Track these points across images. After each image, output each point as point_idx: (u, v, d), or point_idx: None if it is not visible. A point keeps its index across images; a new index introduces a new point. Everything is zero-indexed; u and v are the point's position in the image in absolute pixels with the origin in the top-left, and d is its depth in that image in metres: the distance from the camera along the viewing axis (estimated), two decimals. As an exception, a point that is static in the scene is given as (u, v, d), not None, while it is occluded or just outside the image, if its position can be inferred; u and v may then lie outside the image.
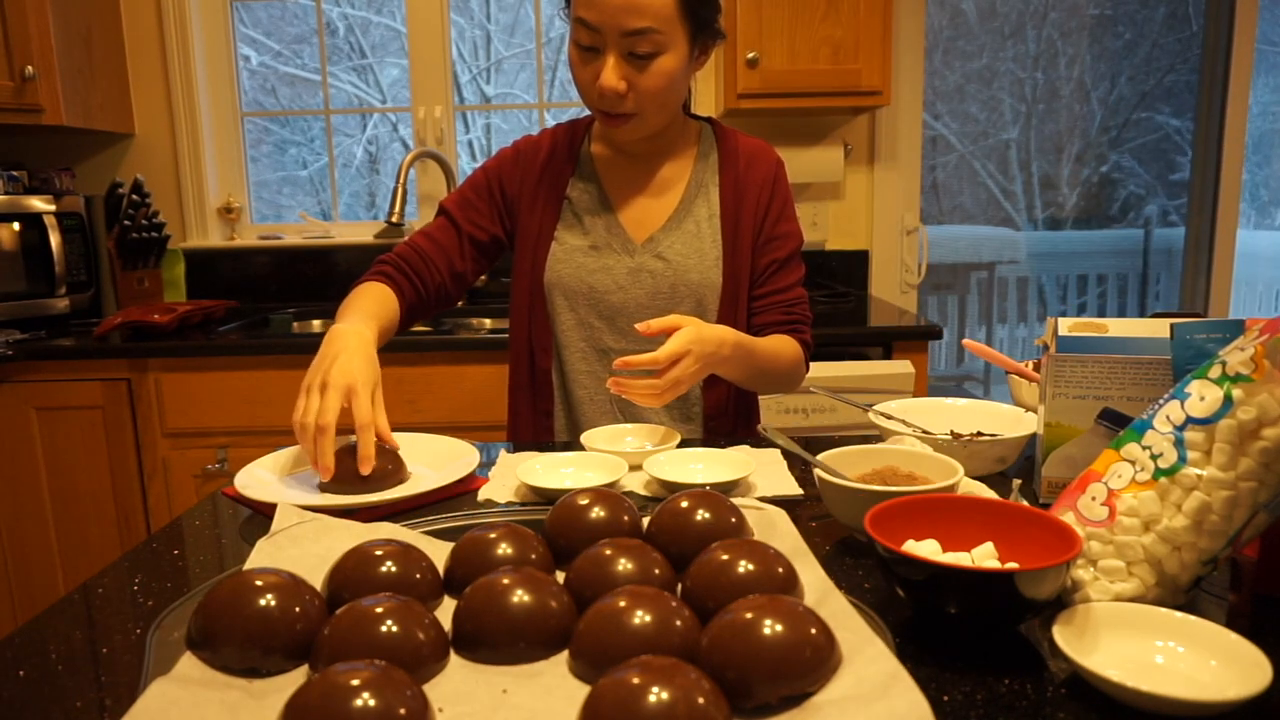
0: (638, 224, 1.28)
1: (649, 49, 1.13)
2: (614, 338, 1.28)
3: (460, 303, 2.62)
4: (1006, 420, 1.10)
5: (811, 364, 2.02)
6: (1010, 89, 3.03)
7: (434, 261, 1.26)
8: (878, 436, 1.11)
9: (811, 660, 0.56)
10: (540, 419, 1.30)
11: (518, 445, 1.19)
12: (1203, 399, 0.66)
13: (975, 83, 3.02)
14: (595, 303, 1.27)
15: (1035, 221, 3.18)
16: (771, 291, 1.30)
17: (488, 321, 2.59)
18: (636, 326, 1.08)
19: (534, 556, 0.73)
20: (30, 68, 2.19)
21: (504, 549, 0.73)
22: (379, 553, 0.70)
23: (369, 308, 1.16)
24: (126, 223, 2.43)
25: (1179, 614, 0.61)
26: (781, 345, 1.26)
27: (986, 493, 0.89)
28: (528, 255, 1.28)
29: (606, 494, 0.81)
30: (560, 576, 0.74)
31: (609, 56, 1.14)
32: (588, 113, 1.36)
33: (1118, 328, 0.88)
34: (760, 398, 1.99)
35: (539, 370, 1.31)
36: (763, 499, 0.94)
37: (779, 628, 0.56)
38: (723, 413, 1.32)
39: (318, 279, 2.71)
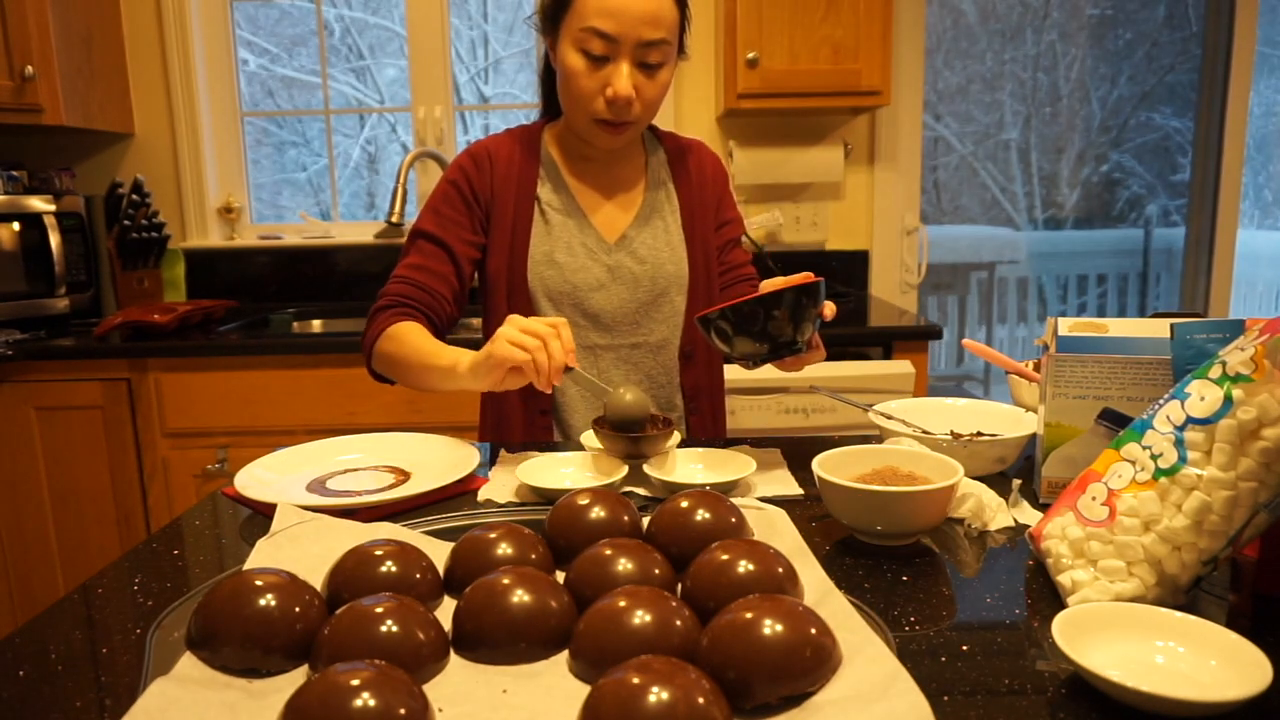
0: (607, 224, 1.32)
1: (659, 59, 1.19)
2: (599, 334, 1.30)
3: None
4: (1006, 420, 1.10)
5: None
6: (1011, 90, 3.03)
7: (440, 293, 1.26)
8: (878, 436, 1.11)
9: (811, 660, 0.56)
10: (535, 418, 1.31)
11: (513, 446, 1.19)
12: (1203, 399, 0.66)
13: (976, 83, 3.02)
14: (578, 302, 1.29)
15: (1035, 221, 3.18)
16: (734, 265, 1.40)
17: (488, 321, 2.59)
18: None
19: (534, 556, 0.73)
20: (30, 68, 2.19)
21: (504, 549, 0.73)
22: (379, 553, 0.70)
23: (435, 343, 1.17)
24: (126, 223, 2.43)
25: (1179, 614, 0.61)
26: None
27: (985, 492, 0.88)
28: (504, 258, 1.29)
29: (606, 494, 0.81)
30: (560, 576, 0.74)
31: (623, 65, 1.17)
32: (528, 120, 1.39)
33: (1118, 328, 0.88)
34: (760, 397, 2.00)
35: None
36: (763, 499, 0.94)
37: (779, 628, 0.56)
38: (700, 393, 1.36)
39: (318, 279, 2.71)
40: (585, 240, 1.29)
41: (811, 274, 1.01)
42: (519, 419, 1.32)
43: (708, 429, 1.38)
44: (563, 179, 1.31)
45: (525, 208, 1.29)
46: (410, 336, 1.18)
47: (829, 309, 1.02)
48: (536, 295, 1.28)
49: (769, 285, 1.01)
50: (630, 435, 1.02)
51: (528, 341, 0.99)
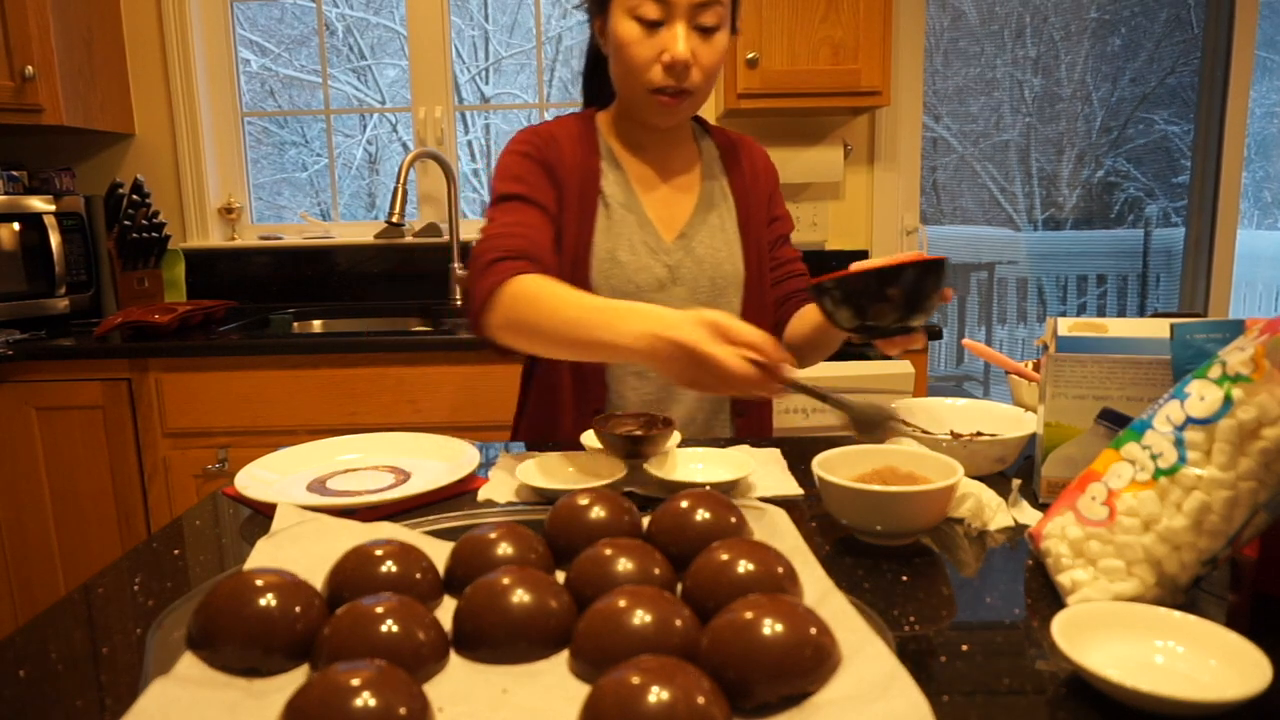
0: (665, 220, 1.28)
1: (714, 21, 1.15)
2: None
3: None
4: (1006, 420, 1.10)
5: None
6: (1011, 90, 3.03)
7: (548, 248, 1.18)
8: (878, 437, 1.11)
9: (811, 660, 0.56)
10: (587, 418, 1.27)
11: (561, 445, 1.17)
12: (1202, 399, 0.66)
13: (977, 84, 3.02)
14: (641, 302, 1.24)
15: (1035, 222, 3.18)
16: (785, 261, 1.37)
17: (488, 322, 2.59)
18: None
19: (534, 556, 0.73)
20: (30, 68, 2.19)
21: (504, 549, 0.73)
22: (379, 553, 0.70)
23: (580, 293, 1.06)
24: (126, 223, 2.43)
25: (1179, 614, 0.61)
26: None
27: (985, 492, 0.88)
28: (569, 251, 1.23)
29: (606, 494, 0.81)
30: (560, 576, 0.74)
31: (678, 27, 1.14)
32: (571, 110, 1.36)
33: (1117, 328, 0.88)
34: (760, 398, 2.00)
35: (590, 369, 1.26)
36: (763, 499, 0.94)
37: (779, 628, 0.56)
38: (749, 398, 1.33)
39: (318, 279, 2.71)
40: (645, 238, 1.25)
41: (932, 255, 0.95)
42: (569, 418, 1.28)
43: (754, 433, 1.34)
44: (623, 171, 1.27)
45: (590, 200, 1.24)
46: (553, 293, 1.03)
47: (948, 293, 0.97)
48: (600, 293, 1.22)
49: (890, 261, 0.96)
50: (630, 435, 1.02)
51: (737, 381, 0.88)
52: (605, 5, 1.18)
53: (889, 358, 2.11)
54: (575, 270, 1.22)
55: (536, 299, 1.04)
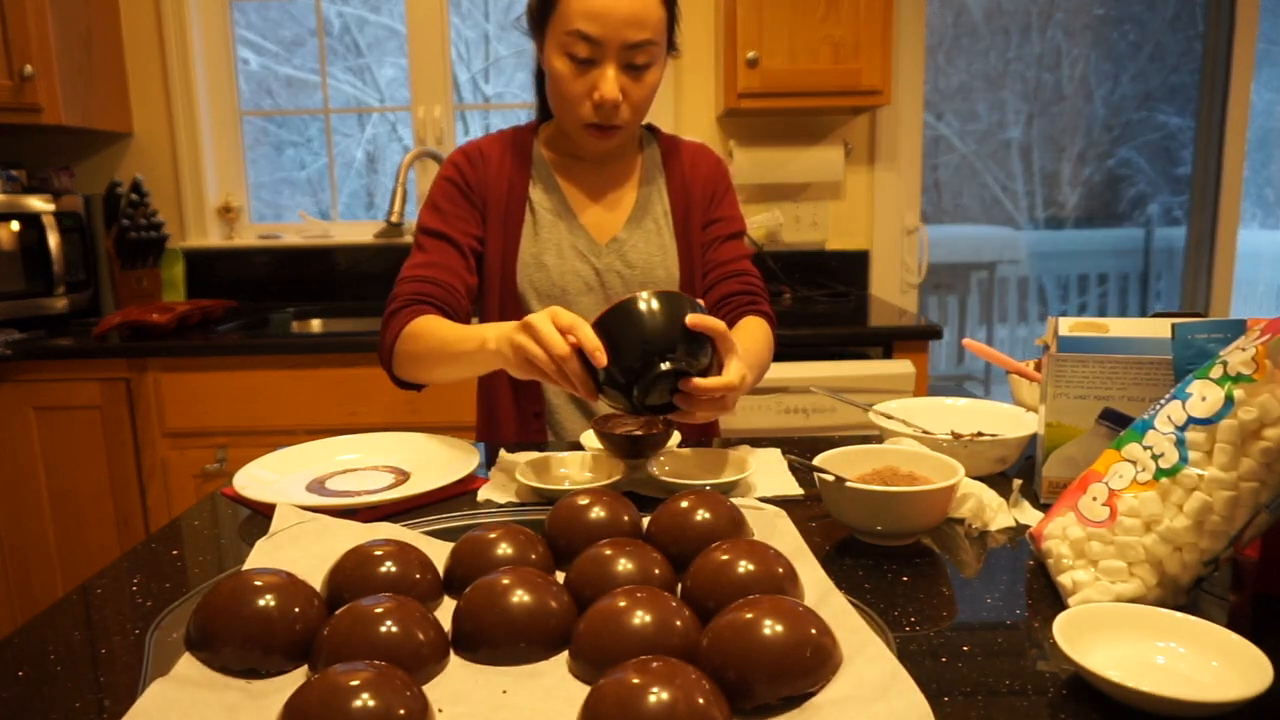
0: (598, 226, 1.31)
1: (646, 60, 1.17)
2: None
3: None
4: (1007, 420, 1.10)
5: (812, 364, 2.03)
6: (1013, 88, 3.02)
7: (453, 286, 1.23)
8: (878, 436, 1.11)
9: (811, 660, 0.56)
10: (529, 420, 1.31)
11: (512, 446, 1.19)
12: (1204, 399, 0.66)
13: (979, 82, 3.01)
14: (568, 305, 1.27)
15: (1036, 221, 3.18)
16: (720, 263, 1.33)
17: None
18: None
19: (534, 556, 0.73)
20: (29, 67, 2.19)
21: (504, 549, 0.73)
22: (379, 553, 0.70)
23: (460, 328, 1.11)
24: (125, 222, 2.43)
25: (1180, 614, 0.61)
26: (761, 333, 1.25)
27: (985, 492, 0.88)
28: (496, 260, 1.28)
29: (606, 494, 0.81)
30: (560, 576, 0.74)
31: (608, 68, 1.15)
32: (520, 122, 1.38)
33: (1118, 328, 0.88)
34: (760, 397, 2.00)
35: None
36: (763, 499, 0.94)
37: (779, 628, 0.56)
38: None
39: (317, 279, 2.71)
40: (575, 242, 1.29)
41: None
42: (511, 420, 1.31)
43: (696, 434, 1.35)
44: (554, 180, 1.31)
45: (516, 209, 1.28)
46: (433, 328, 1.12)
47: (706, 324, 0.89)
48: (527, 296, 1.28)
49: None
50: (630, 435, 1.02)
51: (541, 361, 0.91)
52: (543, 33, 1.20)
53: (888, 358, 2.11)
54: (504, 276, 1.28)
55: (417, 336, 1.14)
